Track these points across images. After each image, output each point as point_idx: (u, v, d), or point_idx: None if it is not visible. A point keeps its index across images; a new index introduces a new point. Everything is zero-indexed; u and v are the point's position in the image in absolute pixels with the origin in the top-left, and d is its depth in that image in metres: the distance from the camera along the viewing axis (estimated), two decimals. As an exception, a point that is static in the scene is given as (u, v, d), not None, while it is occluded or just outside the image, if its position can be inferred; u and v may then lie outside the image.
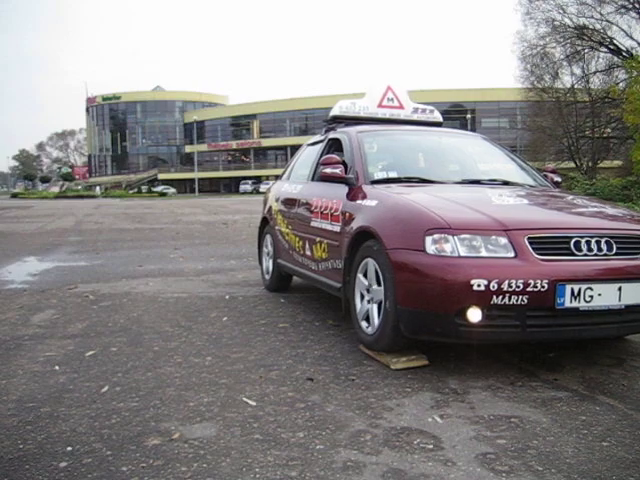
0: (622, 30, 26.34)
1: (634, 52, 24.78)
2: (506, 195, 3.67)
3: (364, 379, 3.17)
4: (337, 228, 4.03)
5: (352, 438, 2.45)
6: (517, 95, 33.38)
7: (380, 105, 5.19)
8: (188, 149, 76.50)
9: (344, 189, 4.12)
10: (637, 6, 25.32)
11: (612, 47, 27.09)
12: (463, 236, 3.03)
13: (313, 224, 4.49)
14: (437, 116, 5.45)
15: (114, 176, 79.83)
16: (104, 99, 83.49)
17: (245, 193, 59.60)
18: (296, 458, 2.27)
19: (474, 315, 2.93)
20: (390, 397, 2.90)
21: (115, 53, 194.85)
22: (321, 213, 4.35)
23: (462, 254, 2.98)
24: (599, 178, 21.38)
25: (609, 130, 28.81)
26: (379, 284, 3.39)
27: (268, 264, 5.70)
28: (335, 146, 4.85)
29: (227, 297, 5.42)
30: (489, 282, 2.87)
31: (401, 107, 5.28)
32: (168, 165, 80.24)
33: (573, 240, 3.08)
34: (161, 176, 73.67)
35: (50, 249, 9.72)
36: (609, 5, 25.85)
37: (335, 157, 4.23)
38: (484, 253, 2.99)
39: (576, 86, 28.70)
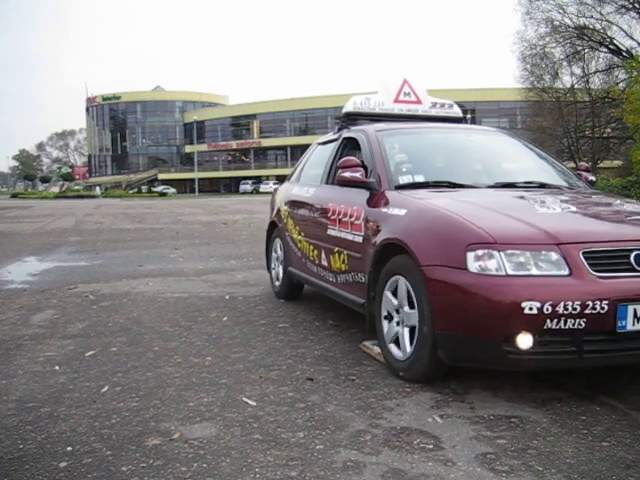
0: (622, 30, 26.36)
1: (634, 52, 24.78)
2: (549, 201, 3.26)
3: (364, 379, 3.17)
4: (359, 239, 3.67)
5: (352, 438, 2.45)
6: (517, 95, 33.40)
7: (396, 100, 4.81)
8: (188, 149, 76.49)
9: (364, 195, 3.75)
10: (637, 6, 25.33)
11: (612, 47, 27.09)
12: (510, 252, 2.69)
13: (330, 232, 4.12)
14: (457, 111, 5.06)
15: (114, 176, 79.82)
16: (104, 99, 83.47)
17: (245, 193, 59.62)
18: (296, 458, 2.27)
19: (525, 341, 2.61)
20: (390, 397, 2.90)
21: (115, 53, 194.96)
22: (339, 221, 3.99)
23: (510, 272, 2.66)
24: (599, 178, 21.39)
25: (609, 130, 28.82)
26: (411, 305, 3.06)
27: (278, 270, 5.40)
28: (350, 146, 4.51)
29: (227, 297, 5.42)
30: (542, 305, 2.55)
31: (419, 102, 4.88)
32: (168, 165, 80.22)
33: (633, 254, 2.74)
34: (161, 176, 73.65)
35: (50, 249, 9.72)
36: (609, 5, 25.87)
37: (354, 159, 3.85)
38: (534, 271, 2.66)
39: (576, 86, 28.71)
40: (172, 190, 64.32)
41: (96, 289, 5.91)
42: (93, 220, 17.52)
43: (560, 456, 2.28)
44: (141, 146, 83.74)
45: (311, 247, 4.49)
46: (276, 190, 5.98)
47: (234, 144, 74.43)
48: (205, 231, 12.84)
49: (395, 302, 3.21)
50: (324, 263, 4.24)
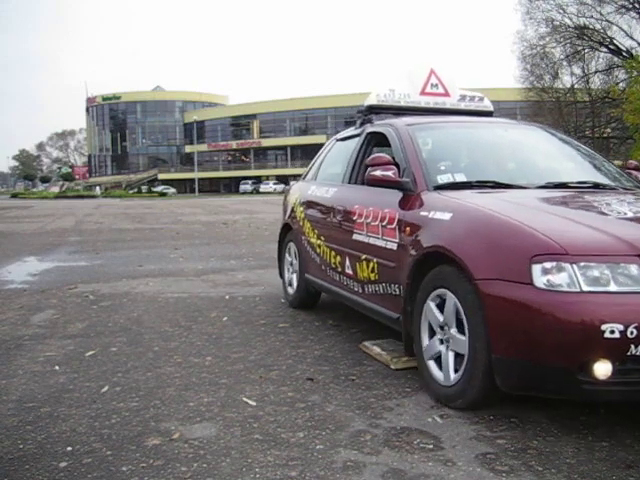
0: (622, 30, 26.40)
1: (634, 52, 24.81)
2: (615, 204, 2.89)
3: (364, 379, 3.17)
4: (392, 245, 3.29)
5: (352, 438, 2.45)
6: (517, 95, 33.42)
7: (423, 92, 4.41)
8: (188, 149, 76.49)
9: (396, 196, 3.38)
10: (637, 6, 25.35)
11: (612, 47, 27.12)
12: (584, 264, 2.33)
13: (356, 237, 3.73)
14: (487, 104, 4.66)
15: (114, 176, 79.81)
16: (104, 99, 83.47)
17: (245, 193, 59.63)
18: (296, 458, 2.27)
19: (603, 370, 2.27)
20: (390, 397, 2.90)
21: (115, 53, 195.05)
22: (367, 225, 3.61)
23: (585, 288, 2.29)
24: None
25: (609, 130, 28.85)
26: (460, 327, 2.70)
27: (292, 277, 5.01)
28: (375, 142, 4.18)
29: (227, 297, 5.42)
30: (626, 327, 2.21)
31: (447, 94, 4.48)
32: (168, 165, 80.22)
33: None
34: (161, 176, 73.65)
35: (50, 249, 9.72)
36: (609, 5, 25.90)
37: (385, 156, 3.48)
38: (613, 287, 2.29)
39: (576, 86, 28.73)
40: (172, 190, 64.33)
41: (96, 289, 5.91)
42: (93, 220, 17.52)
43: (560, 456, 2.28)
44: (141, 146, 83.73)
45: (333, 253, 4.11)
46: (289, 190, 5.53)
47: (234, 144, 74.44)
48: (205, 231, 12.84)
49: (440, 318, 2.83)
50: (348, 271, 3.87)
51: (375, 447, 2.36)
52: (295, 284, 4.92)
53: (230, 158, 77.84)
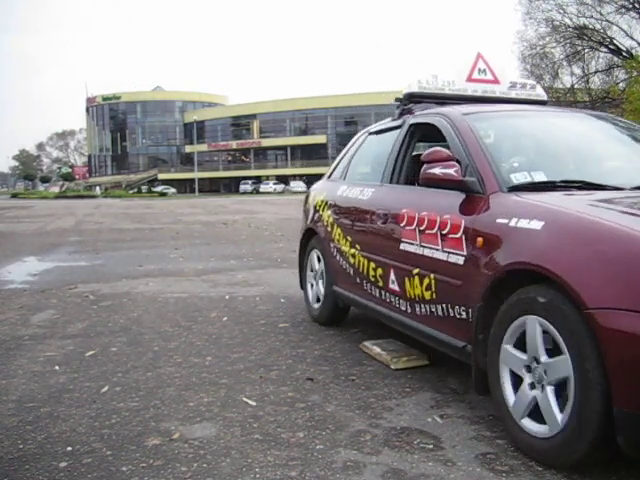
0: (622, 30, 26.38)
1: (634, 52, 24.81)
2: None
3: (364, 379, 3.17)
4: (457, 259, 2.73)
5: (352, 438, 2.45)
6: (517, 95, 33.32)
7: (470, 79, 3.94)
8: (188, 149, 76.50)
9: (457, 198, 2.84)
10: (637, 6, 25.35)
11: (612, 47, 27.11)
12: None
13: (405, 247, 3.19)
14: (540, 93, 4.18)
15: (114, 176, 79.83)
16: (104, 99, 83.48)
17: (245, 193, 59.62)
18: (296, 458, 2.28)
19: None
20: (390, 397, 2.90)
21: (115, 53, 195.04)
22: (420, 233, 3.05)
23: None
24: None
25: (609, 130, 28.77)
26: (554, 351, 2.19)
27: (317, 289, 4.49)
28: (419, 134, 3.72)
29: (227, 297, 5.42)
30: None
31: (496, 81, 3.99)
32: (168, 165, 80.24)
33: None
34: (161, 176, 73.66)
35: (50, 249, 9.72)
36: (609, 5, 25.89)
37: (445, 151, 2.96)
38: None
39: (576, 86, 28.72)
40: (172, 190, 64.35)
41: (96, 289, 5.91)
42: (93, 220, 17.52)
43: (560, 456, 2.27)
44: (141, 146, 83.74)
45: (372, 264, 3.58)
46: (311, 190, 5.02)
47: (234, 144, 74.45)
48: (205, 231, 12.84)
49: (524, 357, 2.32)
50: (393, 287, 3.34)
51: (375, 447, 2.36)
52: (321, 297, 4.39)
53: (230, 158, 77.85)
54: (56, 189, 76.86)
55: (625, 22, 26.11)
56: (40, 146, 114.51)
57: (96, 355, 3.66)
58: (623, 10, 25.68)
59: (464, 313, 2.70)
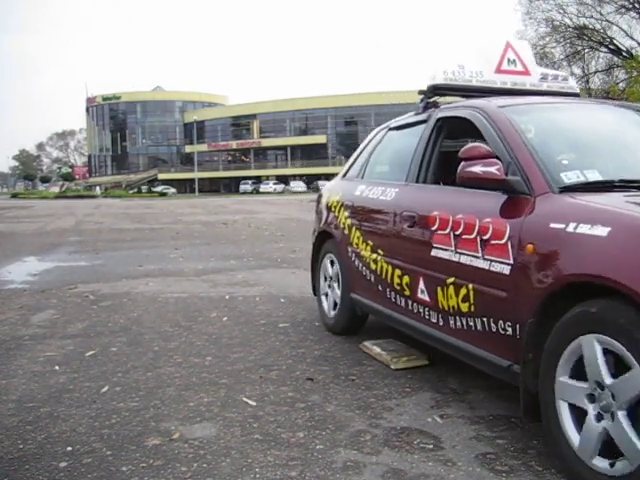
0: (622, 30, 26.39)
1: (634, 52, 24.82)
2: None
3: (364, 379, 3.17)
4: (503, 268, 2.43)
5: (352, 438, 2.45)
6: (517, 95, 33.35)
7: (498, 70, 3.67)
8: (188, 149, 76.54)
9: (498, 199, 2.57)
10: (637, 6, 25.36)
11: (612, 47, 27.12)
12: None
13: (437, 254, 2.89)
14: (572, 85, 3.93)
15: (114, 176, 79.86)
16: (104, 99, 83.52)
17: (245, 193, 59.62)
18: (296, 458, 2.28)
19: None
20: (390, 397, 2.91)
21: (115, 53, 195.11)
22: (456, 237, 2.76)
23: None
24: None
25: (609, 130, 28.79)
26: (619, 370, 1.95)
27: (333, 296, 4.21)
28: (448, 130, 3.45)
29: (227, 297, 5.42)
30: None
31: (526, 73, 3.72)
32: (168, 165, 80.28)
33: None
34: (161, 176, 73.69)
35: (50, 249, 9.72)
36: (609, 5, 25.90)
37: (485, 147, 2.69)
38: None
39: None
40: (172, 190, 64.38)
41: (96, 289, 5.91)
42: (93, 220, 17.52)
43: (560, 456, 2.27)
44: (141, 146, 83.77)
45: (397, 272, 3.30)
46: (324, 190, 4.74)
47: (234, 144, 74.49)
48: (205, 231, 12.84)
49: (584, 385, 2.05)
50: (422, 297, 3.05)
51: (375, 447, 2.37)
52: (338, 305, 4.11)
53: (230, 158, 77.90)
54: (56, 189, 76.87)
55: (625, 22, 26.14)
56: (40, 146, 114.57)
57: (96, 355, 3.66)
58: (623, 10, 25.68)
59: (510, 329, 2.41)
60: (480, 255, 2.58)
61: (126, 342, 3.95)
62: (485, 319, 2.56)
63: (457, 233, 2.76)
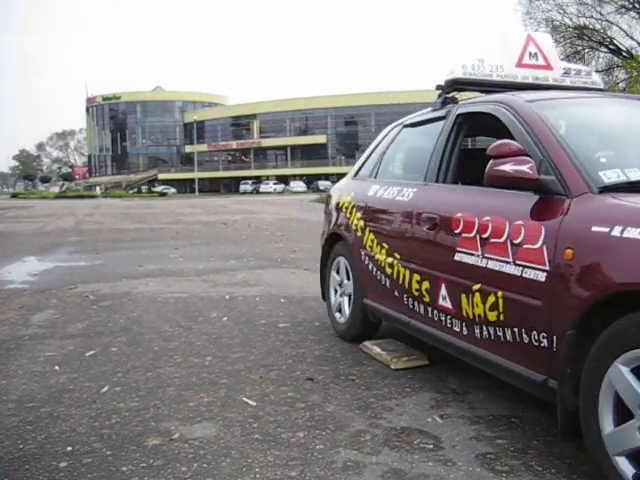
0: (622, 30, 26.40)
1: (634, 52, 24.82)
2: None
3: (364, 379, 3.17)
4: (537, 275, 2.25)
5: (352, 438, 2.45)
6: (517, 95, 33.34)
7: (520, 64, 3.52)
8: (188, 149, 76.57)
9: (529, 200, 2.41)
10: (637, 6, 25.37)
11: (612, 47, 27.13)
12: None
13: (462, 258, 2.71)
14: (596, 80, 3.75)
15: (114, 176, 79.87)
16: (104, 99, 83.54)
17: (245, 193, 59.63)
18: (296, 458, 2.28)
19: None
20: (390, 397, 2.91)
21: (115, 53, 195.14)
22: (483, 241, 2.58)
23: None
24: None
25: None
26: None
27: (342, 301, 4.04)
28: (469, 126, 3.29)
29: (227, 297, 5.42)
30: None
31: (548, 67, 3.58)
32: (168, 165, 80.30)
33: None
34: (161, 176, 73.70)
35: (50, 249, 9.72)
36: (609, 5, 25.91)
37: (515, 144, 2.50)
38: None
39: (576, 86, 28.70)
40: (172, 190, 64.38)
41: (96, 289, 5.91)
42: (93, 220, 17.53)
43: (560, 456, 2.28)
44: (141, 146, 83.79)
45: (416, 276, 3.12)
46: (334, 190, 4.55)
47: (234, 144, 74.52)
48: (205, 231, 12.84)
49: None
50: (444, 304, 2.87)
51: (375, 447, 2.37)
52: (347, 310, 3.96)
53: (230, 158, 77.92)
54: (56, 189, 76.86)
55: (625, 22, 26.16)
56: (40, 146, 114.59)
57: (96, 355, 3.66)
58: (623, 10, 25.70)
59: (545, 340, 2.22)
60: (511, 260, 2.40)
61: (126, 342, 3.95)
62: (516, 329, 2.38)
63: (484, 236, 2.57)
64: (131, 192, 59.63)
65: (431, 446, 2.37)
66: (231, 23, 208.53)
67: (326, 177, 62.09)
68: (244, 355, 3.63)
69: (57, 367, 3.43)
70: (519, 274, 2.34)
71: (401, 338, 3.68)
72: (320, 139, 68.82)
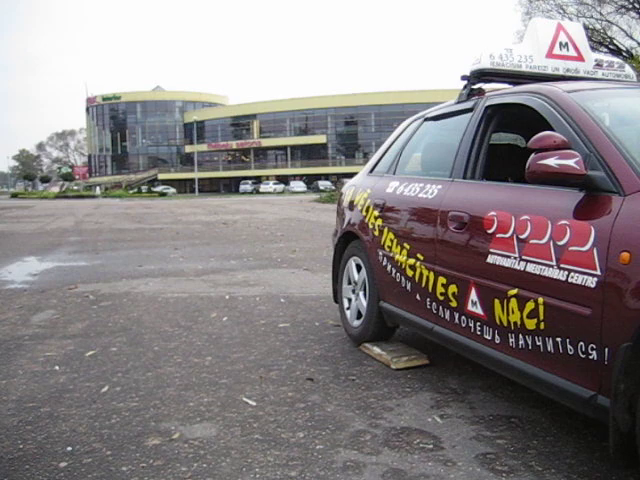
0: (622, 30, 26.44)
1: (634, 52, 24.83)
2: None
3: (364, 379, 3.17)
4: (587, 280, 2.06)
5: (352, 438, 2.45)
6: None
7: (550, 54, 3.32)
8: (188, 149, 76.61)
9: (572, 197, 2.24)
10: (637, 6, 25.39)
11: (612, 47, 27.15)
12: None
13: (496, 260, 2.51)
14: (629, 73, 3.54)
15: (114, 176, 79.90)
16: (104, 99, 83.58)
17: (245, 193, 59.66)
18: (296, 458, 2.28)
19: None
20: (390, 397, 2.90)
21: (115, 53, 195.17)
22: (521, 242, 2.38)
23: None
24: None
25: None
26: None
27: (356, 304, 3.85)
28: (498, 119, 3.08)
29: (227, 297, 5.42)
30: None
31: (580, 58, 3.38)
32: (168, 165, 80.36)
33: None
34: (161, 176, 73.74)
35: (50, 249, 9.72)
36: (609, 5, 25.95)
37: (559, 137, 2.30)
38: None
39: (576, 86, 28.74)
40: (172, 190, 64.42)
41: (96, 289, 5.91)
42: (93, 220, 17.52)
43: (560, 456, 2.28)
44: (141, 146, 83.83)
45: (441, 279, 2.92)
46: (347, 187, 4.31)
47: (234, 144, 74.55)
48: (205, 231, 12.84)
49: None
50: (474, 309, 2.67)
51: (375, 447, 2.36)
52: (362, 313, 3.76)
53: (230, 158, 77.96)
54: (56, 189, 76.84)
55: (625, 22, 26.21)
56: (40, 146, 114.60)
57: (96, 355, 3.66)
58: (623, 10, 25.73)
59: (594, 352, 2.03)
60: (554, 263, 2.19)
61: (126, 342, 3.95)
62: (559, 339, 2.18)
63: (522, 237, 2.37)
64: (131, 192, 59.62)
65: (431, 446, 2.37)
66: (231, 23, 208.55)
67: (326, 177, 62.16)
68: (244, 355, 3.63)
69: (57, 367, 3.43)
70: (564, 279, 2.14)
71: (401, 338, 3.68)
72: (320, 139, 68.84)
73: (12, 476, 2.18)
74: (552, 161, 2.21)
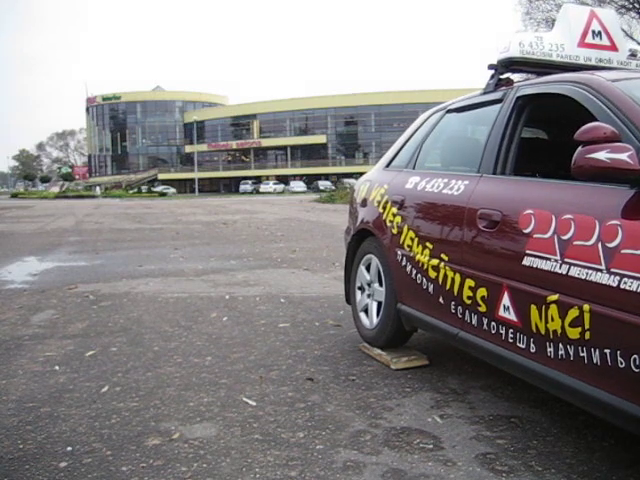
0: (622, 30, 26.44)
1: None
2: None
3: (364, 379, 3.17)
4: None
5: (352, 438, 2.45)
6: (517, 95, 33.34)
7: (582, 44, 3.12)
8: (188, 149, 76.61)
9: (622, 195, 2.04)
10: (637, 6, 25.40)
11: (612, 47, 27.14)
12: None
13: (533, 263, 2.30)
14: None
15: (114, 176, 79.89)
16: (104, 99, 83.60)
17: (245, 193, 59.64)
18: (296, 458, 2.28)
19: None
20: (390, 397, 2.90)
21: (115, 53, 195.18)
22: (564, 243, 2.17)
23: None
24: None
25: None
26: None
27: (371, 305, 3.67)
28: (530, 111, 2.87)
29: (227, 297, 5.42)
30: None
31: (613, 48, 3.17)
32: (168, 165, 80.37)
33: None
34: (161, 176, 73.74)
35: (50, 249, 9.72)
36: (609, 5, 25.92)
37: (609, 128, 2.12)
38: None
39: (576, 86, 28.72)
40: (172, 190, 64.40)
41: (96, 289, 5.91)
42: (93, 220, 17.52)
43: (560, 456, 2.28)
44: (141, 146, 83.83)
45: (469, 282, 2.71)
46: (361, 182, 4.08)
47: (234, 144, 74.56)
48: (205, 231, 12.84)
49: None
50: (507, 315, 2.47)
51: (375, 447, 2.36)
52: (380, 316, 3.55)
53: (230, 158, 77.97)
54: (56, 189, 76.78)
55: (625, 22, 26.18)
56: (40, 146, 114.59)
57: (96, 355, 3.66)
58: (623, 10, 25.74)
59: None
60: (603, 268, 1.99)
61: (126, 342, 3.95)
62: (608, 351, 1.97)
63: (564, 238, 2.17)
64: (131, 192, 59.60)
65: (431, 446, 2.37)
66: (231, 23, 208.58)
67: (326, 177, 62.12)
68: (244, 355, 3.63)
69: (57, 367, 3.43)
70: (615, 285, 1.93)
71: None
72: (320, 139, 68.84)
73: (12, 476, 2.18)
74: (602, 155, 2.03)
